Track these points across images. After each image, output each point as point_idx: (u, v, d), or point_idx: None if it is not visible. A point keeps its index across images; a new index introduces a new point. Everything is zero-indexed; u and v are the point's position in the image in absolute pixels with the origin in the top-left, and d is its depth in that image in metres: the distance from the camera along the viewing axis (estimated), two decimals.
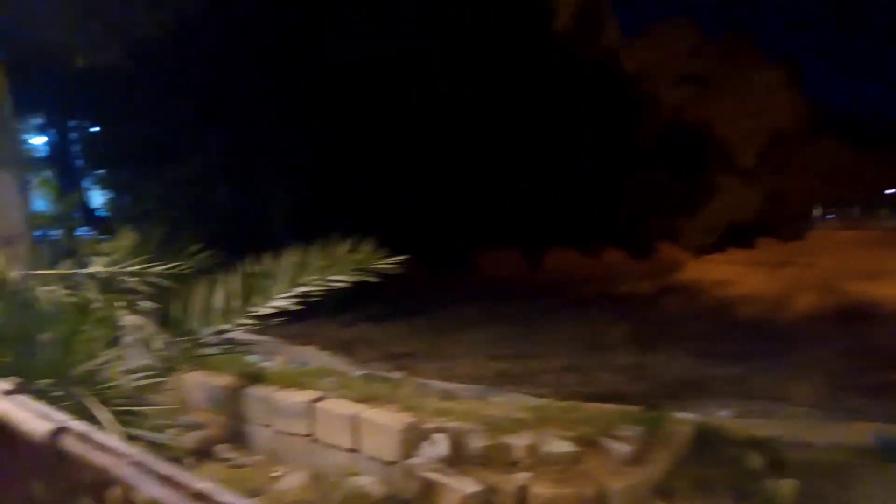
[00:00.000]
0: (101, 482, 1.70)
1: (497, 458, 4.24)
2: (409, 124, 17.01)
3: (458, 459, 4.22)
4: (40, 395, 2.50)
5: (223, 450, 5.16)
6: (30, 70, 11.36)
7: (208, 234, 4.61)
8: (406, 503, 4.12)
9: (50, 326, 3.20)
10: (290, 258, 3.66)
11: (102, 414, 2.46)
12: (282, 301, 3.44)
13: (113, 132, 19.98)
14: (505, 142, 20.37)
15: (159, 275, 3.62)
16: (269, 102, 13.91)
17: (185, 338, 3.30)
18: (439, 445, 4.30)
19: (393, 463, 4.42)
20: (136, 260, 3.70)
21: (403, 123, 16.86)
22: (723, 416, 8.48)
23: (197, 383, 5.53)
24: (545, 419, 4.79)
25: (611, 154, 26.07)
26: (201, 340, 3.30)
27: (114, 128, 19.81)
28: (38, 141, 22.58)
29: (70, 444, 1.83)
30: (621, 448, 4.37)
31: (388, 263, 3.75)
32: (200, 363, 4.19)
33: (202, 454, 4.99)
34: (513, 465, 4.22)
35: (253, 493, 4.57)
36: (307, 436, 4.99)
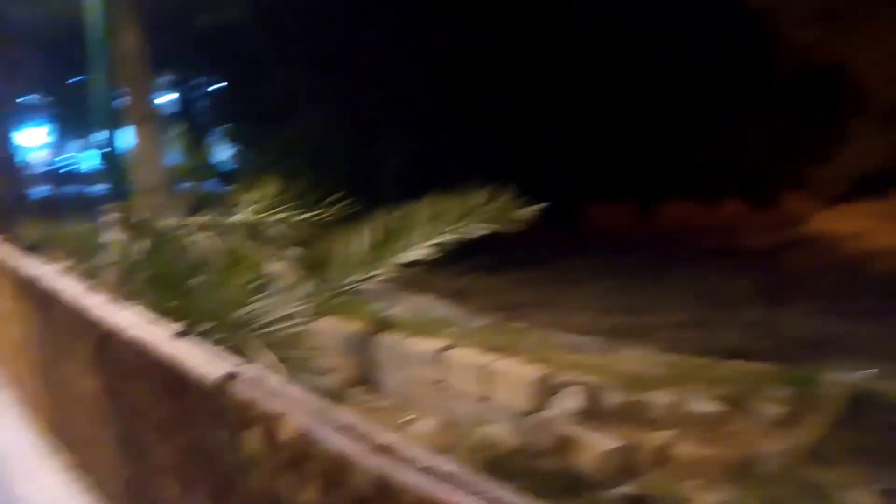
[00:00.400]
0: (275, 430, 1.71)
1: (635, 415, 4.09)
2: (518, 68, 16.53)
3: (593, 414, 4.11)
4: (202, 338, 2.58)
5: (356, 393, 5.30)
6: (161, 29, 11.83)
7: (333, 183, 4.66)
8: (541, 455, 4.07)
9: (204, 272, 3.31)
10: (425, 207, 3.60)
11: (265, 358, 2.52)
12: (420, 251, 3.40)
13: (237, 88, 20.75)
14: (618, 85, 19.40)
15: (302, 223, 3.66)
16: (385, 46, 13.88)
17: (327, 285, 3.33)
18: (573, 399, 4.20)
19: (525, 414, 4.38)
20: (279, 208, 3.76)
21: (513, 68, 16.38)
22: (866, 377, 7.88)
23: (329, 329, 5.69)
24: (683, 376, 4.58)
25: (732, 97, 24.31)
26: (342, 288, 3.32)
27: (238, 83, 20.55)
28: (170, 98, 23.83)
29: (242, 390, 1.85)
30: (770, 409, 4.11)
31: (524, 213, 3.62)
32: (338, 310, 4.26)
33: (337, 397, 5.14)
34: (652, 423, 4.07)
35: None
36: (437, 383, 5.04)
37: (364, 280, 3.36)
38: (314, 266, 3.47)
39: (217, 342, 2.73)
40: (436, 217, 3.53)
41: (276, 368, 2.54)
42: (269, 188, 4.06)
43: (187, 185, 20.99)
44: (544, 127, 18.30)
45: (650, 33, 19.55)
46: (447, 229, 3.45)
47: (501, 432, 4.42)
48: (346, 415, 1.56)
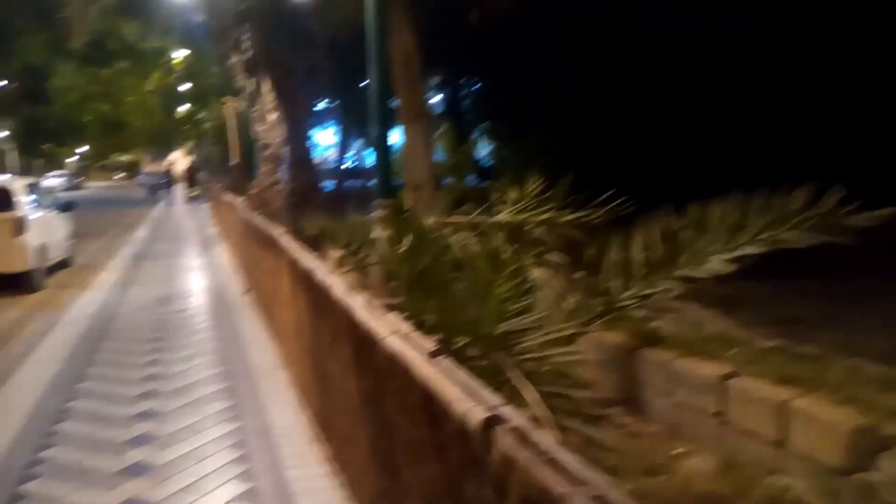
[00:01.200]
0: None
1: None
2: (806, 51, 14.28)
3: None
4: (458, 356, 2.28)
5: (616, 414, 4.77)
6: (430, 30, 12.25)
7: (598, 182, 4.22)
8: None
9: (462, 277, 3.06)
10: (719, 212, 2.96)
11: (528, 392, 2.15)
12: (717, 263, 2.78)
13: (497, 87, 21.13)
14: None
15: (568, 225, 3.24)
16: (652, 34, 12.88)
17: (598, 299, 2.87)
18: None
19: (836, 471, 3.51)
20: (544, 209, 3.39)
21: (800, 52, 14.22)
22: None
23: (587, 338, 5.22)
24: None
25: None
26: (618, 303, 2.84)
27: (497, 83, 20.93)
28: (435, 97, 25.16)
29: (507, 443, 1.48)
30: None
31: (858, 221, 2.81)
32: (613, 326, 3.76)
33: (594, 419, 4.66)
34: None
35: (654, 470, 4.09)
36: (716, 415, 4.31)
37: (644, 296, 2.83)
38: (582, 275, 3.03)
39: (474, 363, 2.43)
40: (734, 224, 2.88)
41: (542, 409, 2.16)
42: (531, 187, 3.71)
43: (449, 181, 21.97)
44: (841, 112, 15.72)
45: None
46: (751, 239, 2.79)
47: (801, 488, 3.60)
48: None
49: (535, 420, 2.04)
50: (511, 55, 17.21)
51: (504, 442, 1.45)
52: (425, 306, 2.87)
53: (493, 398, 1.66)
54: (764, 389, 4.06)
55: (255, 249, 9.04)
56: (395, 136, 11.25)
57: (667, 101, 11.74)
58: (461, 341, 2.46)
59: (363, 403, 3.08)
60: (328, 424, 4.20)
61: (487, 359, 2.39)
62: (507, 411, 1.60)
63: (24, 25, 22.27)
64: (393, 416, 2.56)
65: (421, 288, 3.02)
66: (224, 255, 14.56)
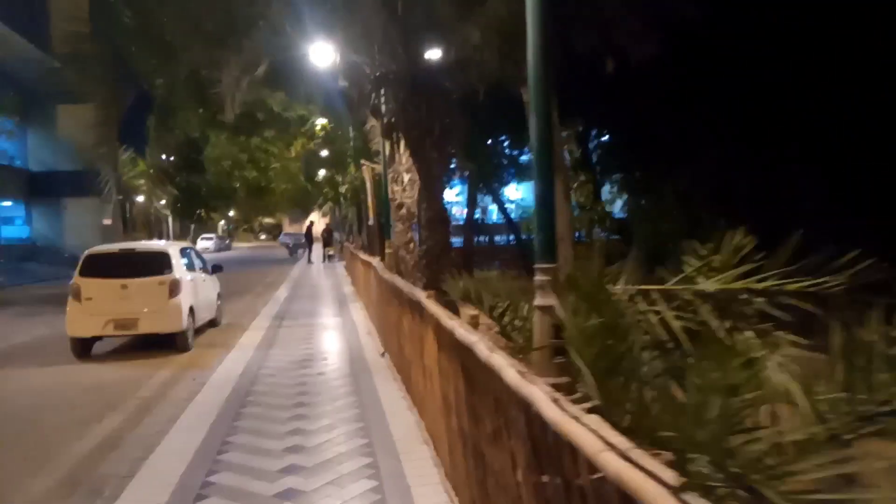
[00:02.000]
0: None
1: None
2: None
3: None
4: (702, 487, 1.69)
5: None
6: (564, 82, 11.83)
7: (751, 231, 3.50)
8: None
9: (665, 364, 2.46)
10: None
11: None
12: None
13: (627, 137, 20.42)
14: None
15: (796, 295, 2.58)
16: (797, 75, 11.74)
17: (863, 397, 2.17)
18: None
19: None
20: (759, 274, 2.74)
21: None
22: None
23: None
24: None
25: None
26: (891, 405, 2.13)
27: (628, 133, 20.22)
28: (568, 149, 24.65)
29: None
30: None
31: None
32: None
33: None
34: None
35: None
36: None
37: None
38: (829, 362, 2.35)
39: (722, 493, 1.82)
40: None
41: None
42: (737, 245, 3.07)
43: (580, 235, 21.22)
44: None
45: None
46: None
47: None
48: None
49: None
50: (649, 103, 16.50)
51: None
52: (624, 400, 2.30)
53: None
54: None
55: (392, 310, 8.79)
56: (530, 191, 10.80)
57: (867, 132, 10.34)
58: (694, 458, 1.86)
59: None
60: None
61: (742, 489, 1.77)
62: None
63: (182, 103, 24.27)
64: None
65: (615, 375, 2.45)
66: (359, 315, 14.58)
